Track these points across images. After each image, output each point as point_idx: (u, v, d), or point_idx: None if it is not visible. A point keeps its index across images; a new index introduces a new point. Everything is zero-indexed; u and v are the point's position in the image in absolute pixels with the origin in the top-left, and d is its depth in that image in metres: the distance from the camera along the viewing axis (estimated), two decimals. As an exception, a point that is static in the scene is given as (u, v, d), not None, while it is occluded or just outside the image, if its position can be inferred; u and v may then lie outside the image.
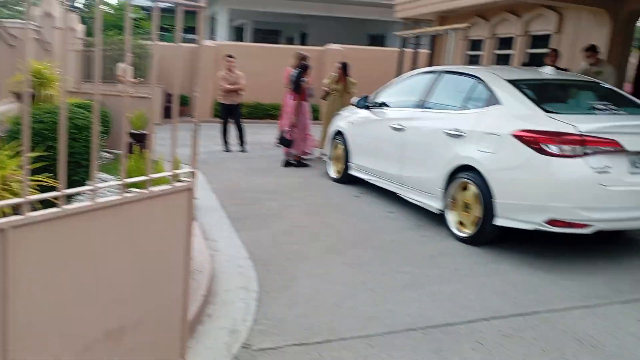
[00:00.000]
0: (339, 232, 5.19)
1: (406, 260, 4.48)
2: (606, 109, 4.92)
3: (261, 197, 6.45)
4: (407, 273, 4.22)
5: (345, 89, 9.20)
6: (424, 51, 12.81)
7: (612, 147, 4.30)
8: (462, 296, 3.82)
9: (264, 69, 14.82)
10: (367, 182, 6.73)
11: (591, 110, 4.94)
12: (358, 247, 4.79)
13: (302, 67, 8.60)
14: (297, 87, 8.44)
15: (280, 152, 9.05)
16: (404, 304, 3.67)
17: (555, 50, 8.66)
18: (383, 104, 6.66)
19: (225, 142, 10.01)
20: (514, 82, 5.14)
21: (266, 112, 15.21)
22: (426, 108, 5.85)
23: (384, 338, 3.20)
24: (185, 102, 14.80)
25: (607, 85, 5.79)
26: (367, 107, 6.82)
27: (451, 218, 5.17)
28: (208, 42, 15.83)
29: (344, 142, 7.20)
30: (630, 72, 10.60)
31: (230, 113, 9.90)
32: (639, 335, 3.29)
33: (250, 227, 5.24)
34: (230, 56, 9.86)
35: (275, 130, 11.00)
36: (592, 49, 8.14)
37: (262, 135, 12.30)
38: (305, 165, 8.60)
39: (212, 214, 5.69)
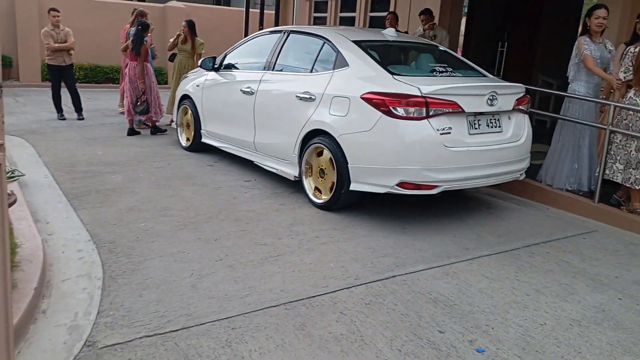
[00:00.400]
0: (192, 205, 4.87)
1: (265, 231, 4.33)
2: (445, 72, 5.09)
3: (103, 170, 5.85)
4: (267, 245, 4.07)
5: (193, 49, 8.68)
6: (270, 12, 12.56)
7: (453, 109, 4.46)
8: (323, 265, 3.77)
9: (100, 27, 13.55)
10: (222, 149, 6.43)
11: (432, 72, 5.06)
12: (214, 220, 4.53)
13: (142, 26, 7.84)
14: (138, 48, 7.73)
15: (123, 120, 8.34)
16: (265, 278, 3.52)
17: (393, 13, 8.93)
18: (232, 66, 6.35)
19: (59, 109, 8.96)
20: (360, 44, 5.11)
21: (106, 76, 13.97)
22: (275, 70, 5.66)
23: (246, 318, 3.03)
24: (8, 63, 13.07)
25: (444, 48, 6.03)
26: (215, 69, 6.45)
27: (308, 185, 5.11)
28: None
29: (194, 107, 6.79)
30: (461, 38, 11.38)
31: (61, 75, 8.83)
32: (487, 291, 3.49)
33: (91, 205, 4.71)
34: (54, 9, 8.73)
35: (117, 95, 10.16)
36: (427, 12, 8.51)
37: (103, 101, 11.32)
38: (163, 132, 8.02)
39: (44, 191, 5.03)
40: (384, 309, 3.20)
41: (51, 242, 3.90)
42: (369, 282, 3.54)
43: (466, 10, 11.84)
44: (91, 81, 13.70)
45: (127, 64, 7.96)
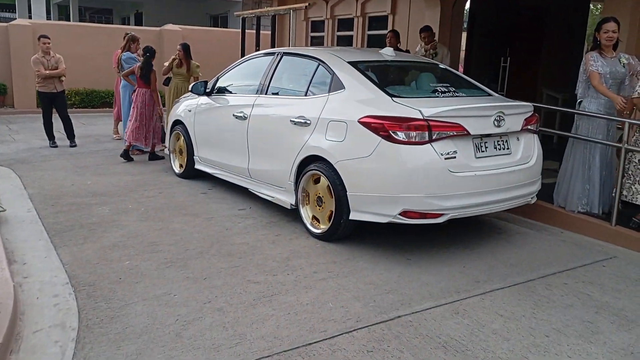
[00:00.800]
0: (182, 238, 4.57)
1: (259, 267, 4.02)
2: (447, 92, 4.79)
3: (90, 201, 5.57)
4: (260, 283, 3.76)
5: (188, 72, 8.46)
6: (266, 33, 12.38)
7: (457, 131, 4.18)
8: (321, 305, 3.45)
9: (95, 52, 13.41)
10: (216, 176, 6.15)
11: (434, 93, 4.76)
12: (204, 255, 4.22)
13: (149, 52, 7.66)
14: (148, 76, 7.55)
15: (117, 146, 8.11)
16: (257, 323, 3.20)
17: (393, 32, 8.66)
18: (224, 90, 6.09)
19: (50, 136, 8.74)
20: (357, 65, 4.84)
21: (102, 100, 13.82)
22: (269, 94, 5.39)
23: (234, 373, 2.71)
24: (2, 90, 12.93)
25: (445, 66, 5.76)
26: (207, 94, 6.19)
27: (305, 214, 4.81)
28: (22, 21, 13.92)
29: (186, 133, 6.52)
30: (461, 54, 11.14)
31: (53, 103, 8.61)
32: (502, 332, 3.16)
33: (73, 242, 4.41)
34: (44, 36, 8.53)
35: (112, 120, 9.94)
36: (427, 30, 8.25)
37: (98, 126, 11.13)
38: (160, 158, 7.77)
39: (25, 228, 4.74)
40: (389, 358, 2.87)
41: (26, 286, 3.60)
42: (372, 325, 3.21)
43: (465, 26, 11.62)
44: (87, 106, 13.55)
45: (135, 90, 7.72)
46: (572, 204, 5.30)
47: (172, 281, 3.74)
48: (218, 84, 6.18)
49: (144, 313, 3.28)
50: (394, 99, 4.36)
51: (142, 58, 8.52)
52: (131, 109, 7.77)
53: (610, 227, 4.89)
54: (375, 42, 10.20)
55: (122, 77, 8.47)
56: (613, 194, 4.96)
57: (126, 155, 7.62)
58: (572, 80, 5.40)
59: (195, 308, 3.36)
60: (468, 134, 4.22)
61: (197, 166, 6.43)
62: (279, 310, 3.38)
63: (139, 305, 3.37)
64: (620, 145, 4.87)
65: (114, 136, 9.61)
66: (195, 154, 6.41)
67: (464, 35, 11.30)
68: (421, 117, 4.08)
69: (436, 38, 8.44)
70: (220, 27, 19.72)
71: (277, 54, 5.61)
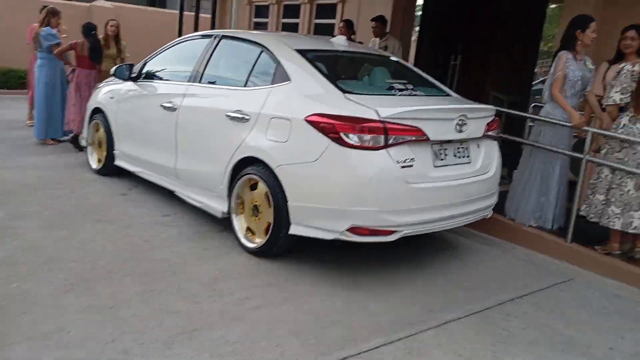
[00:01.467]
0: (90, 252, 3.86)
1: (180, 292, 3.39)
2: (405, 89, 4.28)
3: (-16, 201, 4.74)
4: (180, 313, 3.14)
5: (118, 53, 7.60)
6: (206, 16, 11.61)
7: (416, 136, 3.69)
8: (252, 344, 2.88)
9: (13, 26, 12.18)
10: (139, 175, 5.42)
11: (390, 90, 4.23)
12: (114, 276, 3.54)
13: (95, 29, 7.10)
14: (100, 56, 7.08)
15: (29, 134, 7.22)
16: (171, 370, 2.60)
17: (346, 21, 8.09)
18: (152, 75, 5.36)
19: (-49, 119, 7.68)
20: (305, 54, 4.26)
21: (21, 81, 12.54)
22: (203, 82, 4.72)
23: None
24: None
25: (401, 61, 5.28)
26: (133, 79, 5.44)
27: (238, 224, 4.21)
28: None
29: (106, 123, 5.74)
30: (413, 49, 10.77)
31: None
32: (465, 384, 2.70)
33: (-49, 255, 3.63)
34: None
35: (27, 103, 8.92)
36: (379, 20, 7.76)
37: (11, 111, 10.01)
38: (81, 150, 6.93)
39: None
40: (332, 421, 2.34)
41: None
42: (311, 372, 2.68)
43: (418, 20, 11.24)
44: (2, 87, 12.28)
45: (74, 70, 7.04)
46: (523, 217, 4.94)
47: (69, 311, 3.05)
48: (146, 69, 5.43)
49: (25, 358, 2.60)
50: (347, 95, 3.82)
51: (64, 36, 7.66)
52: (71, 91, 7.08)
53: (565, 245, 4.57)
54: (323, 32, 9.65)
55: (52, 56, 7.38)
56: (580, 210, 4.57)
57: (77, 143, 6.98)
58: (521, 83, 5.02)
59: (95, 350, 2.71)
60: (427, 139, 3.73)
61: (117, 162, 5.66)
62: (201, 350, 2.78)
63: (20, 348, 2.67)
64: (581, 156, 4.53)
65: (28, 122, 8.60)
66: (115, 148, 5.65)
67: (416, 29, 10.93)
68: (377, 117, 3.55)
69: (387, 30, 7.97)
70: (158, 8, 18.59)
71: (215, 37, 4.93)
